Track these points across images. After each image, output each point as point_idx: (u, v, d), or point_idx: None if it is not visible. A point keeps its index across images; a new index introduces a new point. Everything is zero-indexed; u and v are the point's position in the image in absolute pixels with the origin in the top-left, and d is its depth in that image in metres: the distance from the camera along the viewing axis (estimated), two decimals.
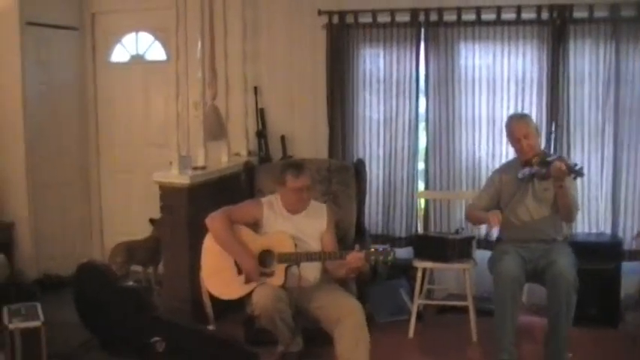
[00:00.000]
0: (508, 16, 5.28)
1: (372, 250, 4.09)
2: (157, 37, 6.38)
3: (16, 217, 5.96)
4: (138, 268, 5.75)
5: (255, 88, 5.88)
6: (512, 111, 5.29)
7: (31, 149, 5.95)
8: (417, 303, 4.99)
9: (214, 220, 4.26)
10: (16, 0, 5.75)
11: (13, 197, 5.95)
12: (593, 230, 5.31)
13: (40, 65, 6.08)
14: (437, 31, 5.46)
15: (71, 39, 6.48)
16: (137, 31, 6.47)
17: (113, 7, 6.46)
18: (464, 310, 4.93)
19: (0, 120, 5.93)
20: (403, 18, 5.50)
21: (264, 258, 4.19)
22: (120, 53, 6.57)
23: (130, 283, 4.97)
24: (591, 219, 5.30)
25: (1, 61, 5.87)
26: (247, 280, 4.16)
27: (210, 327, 4.56)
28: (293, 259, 4.15)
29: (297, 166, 4.32)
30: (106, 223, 6.74)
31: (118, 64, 6.57)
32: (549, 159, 4.25)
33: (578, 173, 4.15)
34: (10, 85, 5.87)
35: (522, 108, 5.30)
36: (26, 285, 5.67)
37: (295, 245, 4.19)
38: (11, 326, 4.32)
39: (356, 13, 5.58)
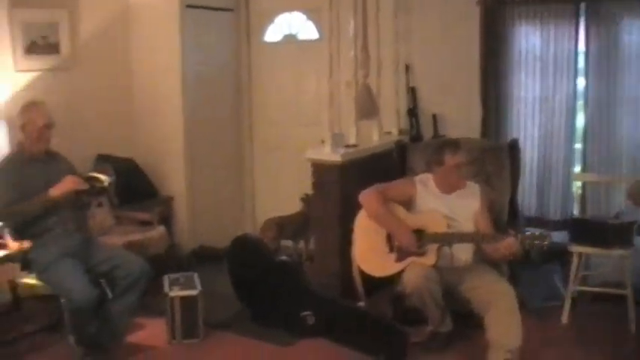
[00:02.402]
0: None
1: (528, 234, 3.98)
2: (309, 17, 6.45)
3: (175, 192, 6.26)
4: (288, 243, 5.89)
5: (407, 66, 5.82)
6: None
7: (189, 128, 6.20)
8: (571, 289, 4.82)
9: (368, 195, 4.29)
10: None
11: (172, 173, 6.25)
12: None
13: (197, 46, 6.29)
14: (598, 6, 5.18)
15: (227, 20, 6.66)
16: (290, 11, 6.56)
17: None
18: (621, 298, 4.71)
19: (161, 100, 6.21)
20: None
21: (417, 237, 4.17)
22: (273, 33, 6.70)
23: (283, 257, 5.10)
24: None
25: (162, 43, 6.14)
26: (399, 258, 4.17)
27: (361, 304, 4.59)
28: (446, 239, 4.13)
29: (454, 143, 4.30)
30: (258, 198, 6.93)
31: (271, 43, 6.70)
32: None
33: None
34: (170, 66, 6.12)
35: None
36: (183, 256, 5.98)
37: (448, 225, 4.15)
38: (171, 294, 4.59)
39: None
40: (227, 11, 6.64)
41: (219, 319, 4.87)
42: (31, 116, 4.24)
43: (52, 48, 5.63)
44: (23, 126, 4.26)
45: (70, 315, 4.13)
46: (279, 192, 6.63)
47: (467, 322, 4.34)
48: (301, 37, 6.55)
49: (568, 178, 5.46)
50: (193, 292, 4.60)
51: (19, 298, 4.67)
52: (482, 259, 4.28)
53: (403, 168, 5.14)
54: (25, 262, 4.25)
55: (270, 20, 6.67)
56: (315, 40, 6.35)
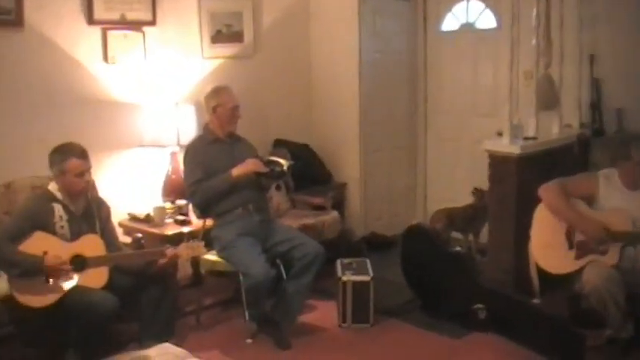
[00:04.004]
0: None
1: None
2: (487, 5, 6.31)
3: (349, 178, 6.36)
4: (457, 235, 5.83)
5: (591, 57, 5.56)
6: None
7: (364, 115, 6.28)
8: None
9: (549, 190, 4.16)
10: None
11: (347, 159, 6.35)
12: None
13: (375, 35, 6.36)
14: None
15: (404, 9, 6.67)
16: None
17: None
18: None
19: (338, 87, 6.33)
20: None
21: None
22: (450, 22, 6.63)
23: (457, 248, 5.05)
24: None
25: (341, 31, 6.25)
26: (578, 256, 4.02)
27: (535, 301, 4.47)
28: (630, 238, 3.92)
29: None
30: (430, 188, 6.90)
31: (448, 32, 6.63)
32: None
33: None
34: (348, 53, 6.22)
35: None
36: (355, 241, 6.06)
37: (634, 224, 3.94)
38: (344, 278, 4.67)
39: None
40: (405, 0, 6.65)
41: (390, 306, 4.92)
42: (224, 98, 4.53)
43: (235, 36, 5.87)
44: (215, 107, 4.52)
45: (246, 292, 4.30)
46: (452, 183, 6.57)
47: None
48: (479, 25, 6.42)
49: None
50: (366, 278, 4.67)
51: (200, 273, 4.91)
52: None
53: (585, 163, 4.94)
54: (207, 239, 4.47)
55: (448, 9, 6.60)
56: (493, 29, 6.21)
